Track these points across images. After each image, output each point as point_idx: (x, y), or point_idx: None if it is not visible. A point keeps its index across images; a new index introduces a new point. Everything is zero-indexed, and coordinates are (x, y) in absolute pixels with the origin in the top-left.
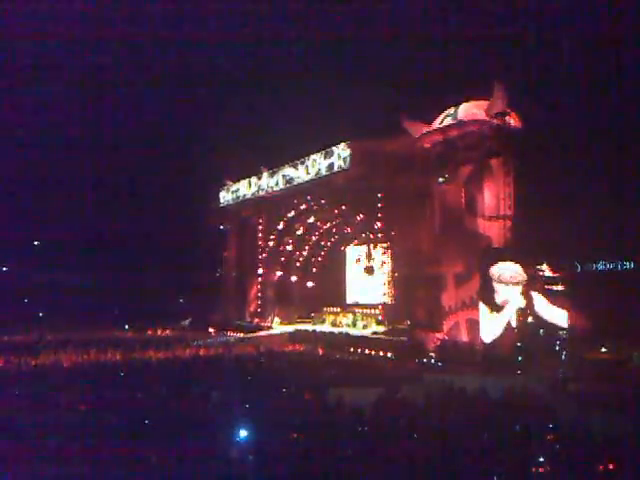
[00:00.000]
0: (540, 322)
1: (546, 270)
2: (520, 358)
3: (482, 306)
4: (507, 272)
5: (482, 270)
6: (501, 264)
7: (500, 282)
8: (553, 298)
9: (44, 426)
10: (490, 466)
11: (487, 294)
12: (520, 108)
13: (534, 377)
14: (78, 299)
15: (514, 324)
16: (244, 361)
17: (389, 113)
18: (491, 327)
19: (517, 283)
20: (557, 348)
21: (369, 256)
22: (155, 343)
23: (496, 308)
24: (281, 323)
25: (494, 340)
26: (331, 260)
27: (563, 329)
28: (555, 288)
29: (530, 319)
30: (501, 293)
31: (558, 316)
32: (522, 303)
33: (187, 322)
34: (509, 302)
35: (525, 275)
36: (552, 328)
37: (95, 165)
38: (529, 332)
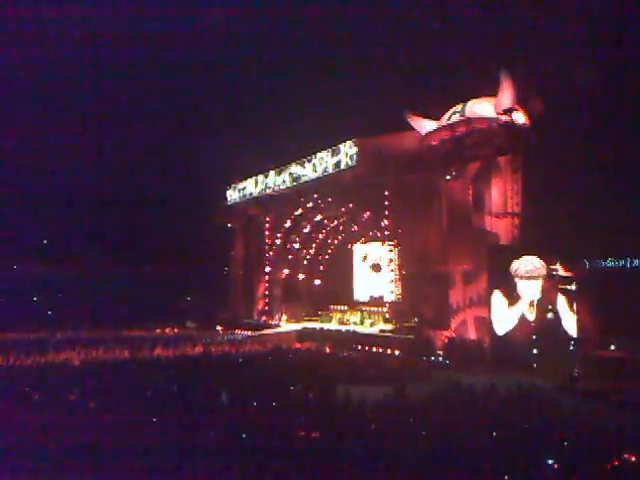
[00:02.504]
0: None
1: (560, 269)
2: (535, 351)
3: (499, 298)
4: (523, 267)
5: (491, 267)
6: (522, 258)
7: (517, 276)
8: (567, 298)
9: (53, 424)
10: (499, 465)
11: (506, 287)
12: (528, 104)
13: (543, 375)
14: (87, 298)
15: (531, 318)
16: (252, 359)
17: (396, 110)
18: (505, 320)
19: (532, 277)
20: (568, 346)
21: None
22: (163, 341)
23: (514, 301)
24: (288, 321)
25: (505, 335)
26: (338, 258)
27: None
28: (569, 287)
29: (550, 315)
30: (518, 287)
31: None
32: (537, 297)
33: (191, 323)
34: (524, 296)
35: (544, 269)
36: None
37: (103, 165)
38: (545, 327)
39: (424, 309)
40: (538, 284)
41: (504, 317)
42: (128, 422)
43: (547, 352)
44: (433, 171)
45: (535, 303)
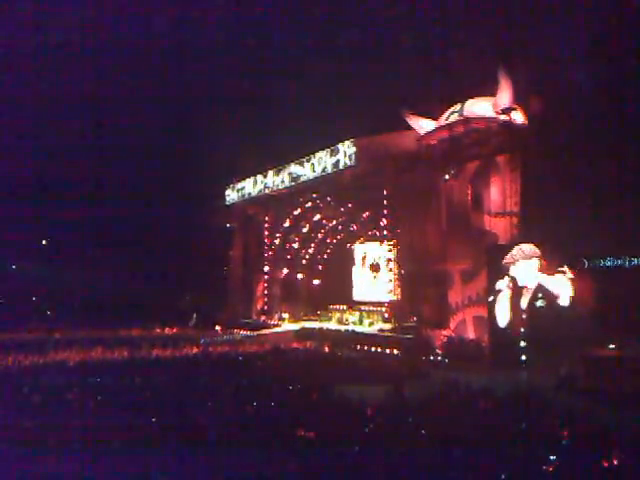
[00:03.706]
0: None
1: (567, 272)
2: (523, 344)
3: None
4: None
5: (490, 266)
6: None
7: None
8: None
9: (52, 423)
10: (497, 464)
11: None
12: (526, 104)
13: (541, 374)
14: (86, 298)
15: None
16: (250, 359)
17: (395, 110)
18: (504, 312)
19: (510, 263)
20: (566, 345)
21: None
22: (162, 341)
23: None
24: (287, 320)
25: (504, 334)
26: (337, 258)
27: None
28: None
29: (540, 302)
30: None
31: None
32: (526, 282)
33: (193, 321)
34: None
35: (522, 253)
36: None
37: (102, 164)
38: (537, 317)
39: (423, 308)
40: (521, 268)
41: (505, 309)
42: (126, 422)
43: (545, 351)
44: (432, 171)
45: (525, 291)
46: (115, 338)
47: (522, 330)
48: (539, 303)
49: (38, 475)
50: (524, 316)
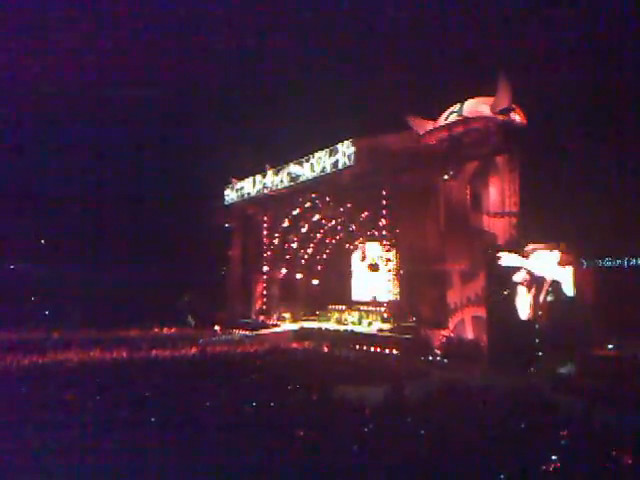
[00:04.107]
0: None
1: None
2: (537, 340)
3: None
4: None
5: (489, 267)
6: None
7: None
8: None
9: (51, 424)
10: (496, 464)
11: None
12: (525, 104)
13: (539, 373)
14: (84, 298)
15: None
16: (249, 359)
17: (394, 110)
18: (524, 305)
19: (532, 252)
20: (567, 344)
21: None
22: (161, 341)
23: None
24: (287, 320)
25: (503, 333)
26: (336, 258)
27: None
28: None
29: (550, 297)
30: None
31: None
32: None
33: (192, 322)
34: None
35: (545, 242)
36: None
37: (100, 164)
38: (552, 312)
39: (422, 308)
40: (540, 260)
41: (524, 303)
42: (125, 422)
43: (544, 350)
44: (431, 171)
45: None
46: (114, 338)
47: (537, 326)
48: (549, 297)
49: (37, 475)
50: (540, 312)
